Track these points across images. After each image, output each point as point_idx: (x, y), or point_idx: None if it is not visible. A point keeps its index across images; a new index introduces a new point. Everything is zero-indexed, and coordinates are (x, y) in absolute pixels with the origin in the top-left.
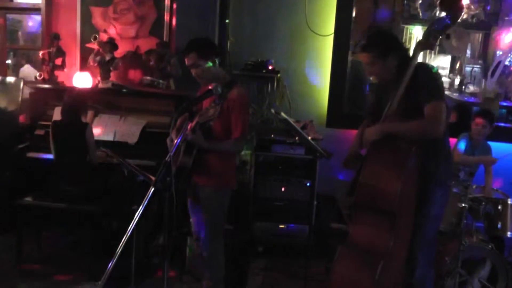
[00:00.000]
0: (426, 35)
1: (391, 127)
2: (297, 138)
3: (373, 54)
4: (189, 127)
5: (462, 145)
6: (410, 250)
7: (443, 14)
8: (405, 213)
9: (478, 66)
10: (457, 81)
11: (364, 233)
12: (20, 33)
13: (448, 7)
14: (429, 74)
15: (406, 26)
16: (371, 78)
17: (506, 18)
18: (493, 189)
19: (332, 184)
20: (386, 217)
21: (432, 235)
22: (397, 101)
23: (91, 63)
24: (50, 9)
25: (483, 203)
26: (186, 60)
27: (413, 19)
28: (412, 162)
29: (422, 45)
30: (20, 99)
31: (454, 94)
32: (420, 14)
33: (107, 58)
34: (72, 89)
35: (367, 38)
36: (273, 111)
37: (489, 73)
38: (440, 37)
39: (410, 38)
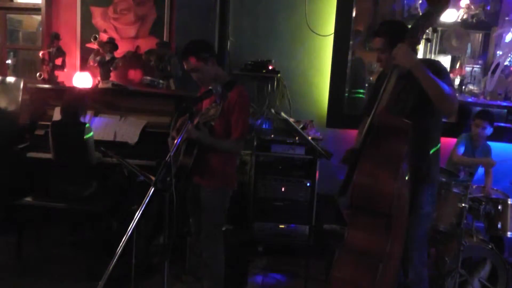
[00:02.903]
0: (412, 30)
1: (421, 68)
2: (297, 138)
3: (384, 41)
4: (190, 127)
5: (462, 146)
6: (403, 250)
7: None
8: (400, 214)
9: (478, 66)
10: (457, 81)
11: (361, 236)
12: (20, 33)
13: (434, 1)
14: (438, 66)
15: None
16: (379, 65)
17: (507, 18)
18: (493, 189)
19: (332, 184)
20: (383, 219)
21: (424, 234)
22: (386, 98)
23: (91, 63)
24: (50, 9)
25: (483, 203)
26: (185, 65)
27: (413, 19)
28: (406, 162)
29: (410, 40)
30: (20, 99)
31: None
32: (420, 14)
33: (107, 58)
34: (73, 88)
35: (381, 24)
36: (273, 111)
37: (489, 73)
38: (427, 31)
39: None
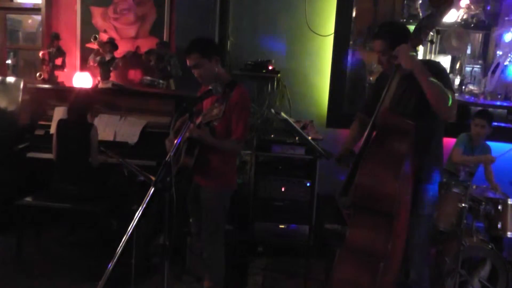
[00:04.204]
0: (416, 31)
1: (423, 70)
2: (297, 138)
3: (384, 43)
4: (191, 126)
5: (461, 146)
6: (405, 250)
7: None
8: (402, 214)
9: (478, 66)
10: (457, 81)
11: (362, 235)
12: (20, 33)
13: (437, 2)
14: (439, 67)
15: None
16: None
17: (507, 18)
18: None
19: (332, 184)
20: (384, 218)
21: (425, 234)
22: (389, 98)
23: (91, 63)
24: (50, 9)
25: (483, 203)
26: (188, 60)
27: (413, 19)
28: (408, 162)
29: (413, 41)
30: (20, 99)
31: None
32: (420, 14)
33: (107, 58)
34: (80, 88)
35: (380, 26)
36: (273, 111)
37: (489, 73)
38: (431, 33)
39: None
